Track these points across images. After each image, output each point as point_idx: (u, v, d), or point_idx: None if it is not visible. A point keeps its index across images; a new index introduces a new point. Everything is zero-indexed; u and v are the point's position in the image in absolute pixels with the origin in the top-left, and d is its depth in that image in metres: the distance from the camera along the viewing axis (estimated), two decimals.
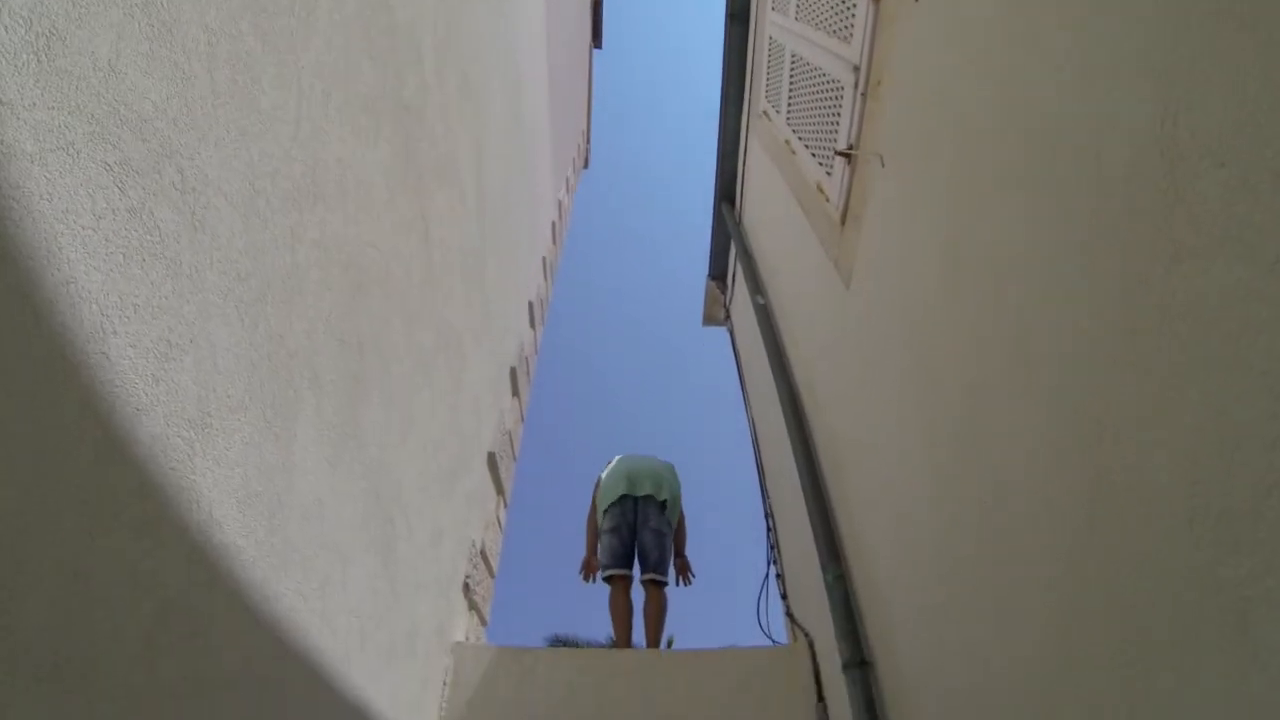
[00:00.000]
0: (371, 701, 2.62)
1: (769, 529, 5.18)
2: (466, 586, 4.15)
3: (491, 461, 4.88)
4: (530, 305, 6.82)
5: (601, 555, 5.45)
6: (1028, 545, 1.54)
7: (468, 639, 4.09)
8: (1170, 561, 1.08)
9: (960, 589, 1.92)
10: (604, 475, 5.93)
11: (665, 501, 5.64)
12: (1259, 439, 0.91)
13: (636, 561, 5.39)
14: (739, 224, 6.61)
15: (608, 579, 5.32)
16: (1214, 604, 0.98)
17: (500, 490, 5.16)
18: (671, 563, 5.49)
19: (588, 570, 5.63)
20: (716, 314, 7.90)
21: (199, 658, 1.60)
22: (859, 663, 2.70)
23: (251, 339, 1.85)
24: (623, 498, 5.58)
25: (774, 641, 4.43)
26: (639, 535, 5.41)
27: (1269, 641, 0.90)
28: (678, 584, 5.53)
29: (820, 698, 3.53)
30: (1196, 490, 1.02)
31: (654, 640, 5.04)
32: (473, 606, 4.33)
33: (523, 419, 6.34)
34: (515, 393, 5.89)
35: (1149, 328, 1.13)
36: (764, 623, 4.63)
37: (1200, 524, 1.01)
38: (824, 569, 3.08)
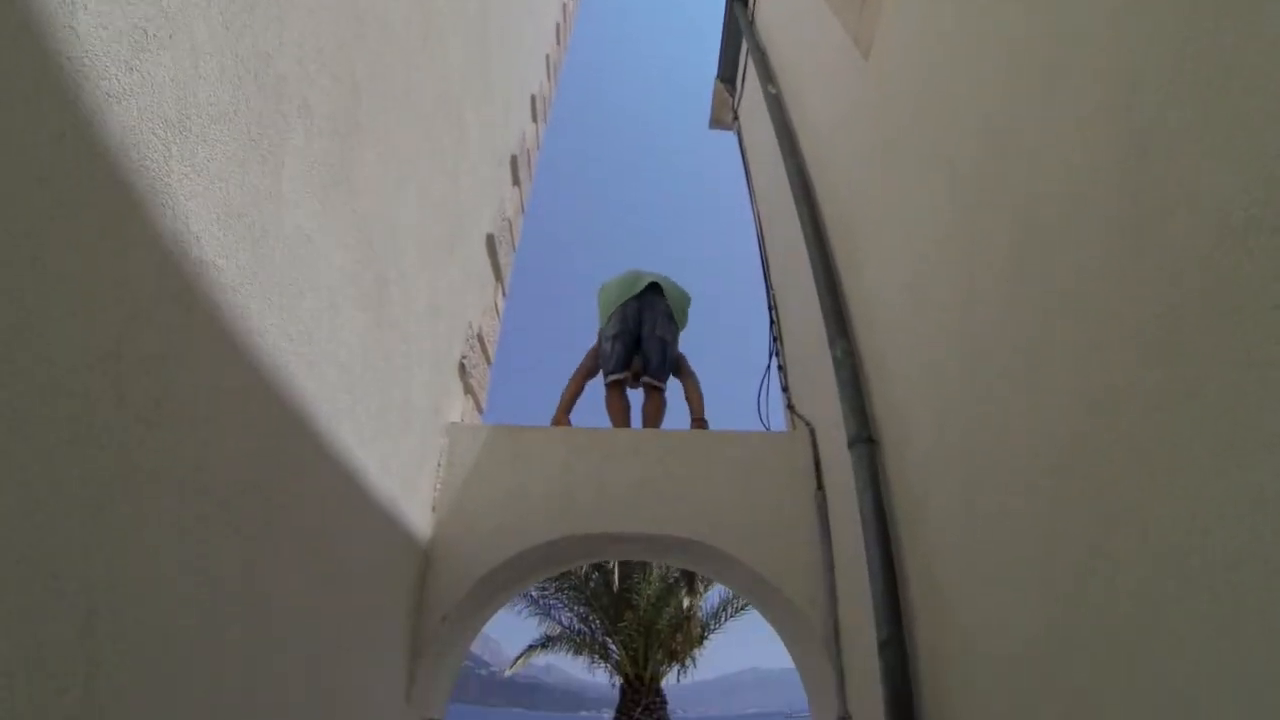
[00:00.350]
0: (362, 465, 2.63)
1: (772, 322, 5.16)
2: (462, 368, 4.14)
3: (490, 244, 4.75)
4: (533, 99, 6.48)
5: (604, 363, 5.39)
6: (1058, 288, 1.46)
7: (464, 421, 4.12)
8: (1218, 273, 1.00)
9: (978, 357, 1.87)
10: (606, 285, 5.78)
11: (670, 308, 5.52)
12: None
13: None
14: (751, 22, 6.43)
15: (610, 384, 5.31)
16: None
17: (499, 276, 5.07)
18: (671, 373, 5.44)
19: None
20: (724, 117, 7.69)
21: (170, 378, 1.52)
22: (865, 439, 2.72)
23: (236, 50, 1.67)
24: (625, 303, 5.47)
25: (767, 428, 4.50)
26: (643, 343, 5.33)
27: None
28: None
29: (820, 486, 3.59)
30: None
31: None
32: (469, 390, 4.34)
33: (523, 210, 6.16)
34: (516, 181, 5.68)
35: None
36: (764, 414, 4.68)
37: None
38: (832, 344, 3.08)
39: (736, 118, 7.48)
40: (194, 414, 1.58)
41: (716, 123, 8.06)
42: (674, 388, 5.30)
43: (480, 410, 4.63)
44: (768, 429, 4.50)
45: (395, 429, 3.00)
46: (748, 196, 6.78)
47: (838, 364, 3.00)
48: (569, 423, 4.96)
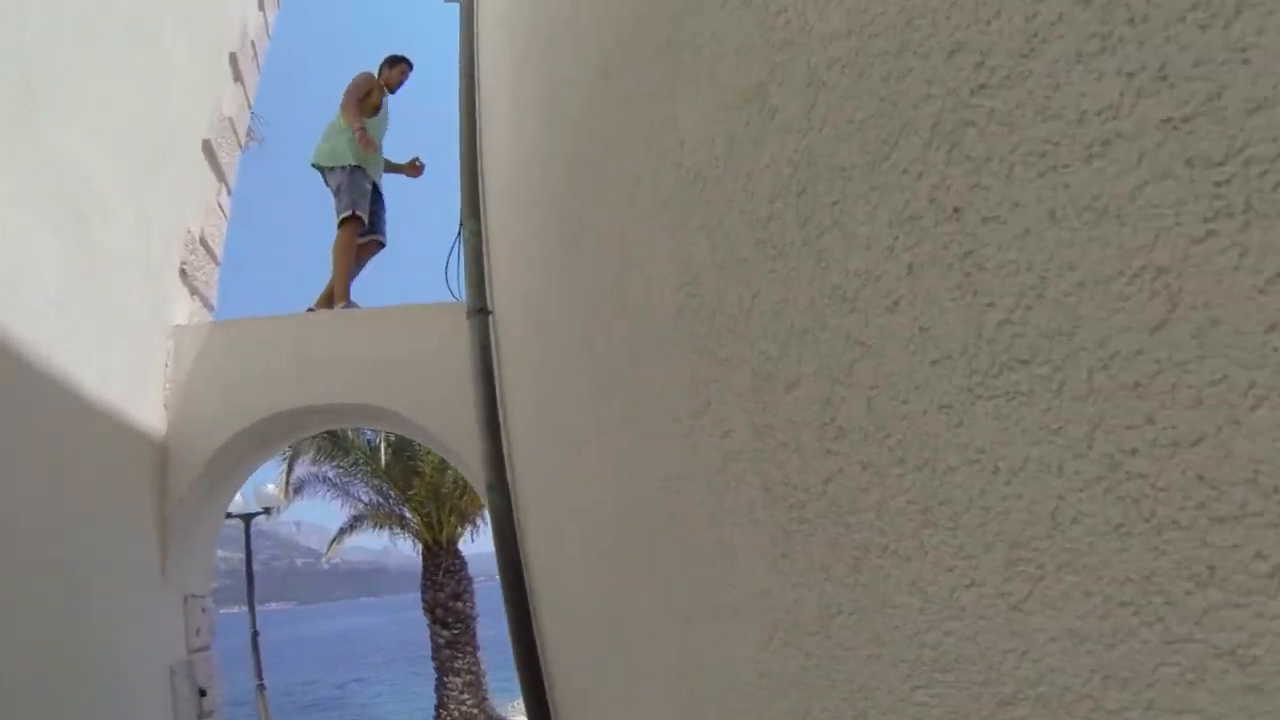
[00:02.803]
0: (81, 380, 3.08)
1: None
2: (183, 273, 4.49)
3: (208, 148, 4.98)
4: None
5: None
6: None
7: (190, 322, 4.53)
8: None
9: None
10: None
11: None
12: None
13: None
14: None
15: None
16: None
17: (221, 177, 5.31)
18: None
19: None
20: None
21: None
22: (479, 310, 3.27)
23: None
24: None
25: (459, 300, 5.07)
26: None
27: None
28: None
29: None
30: None
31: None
32: (195, 292, 4.69)
33: (250, 104, 6.28)
34: (238, 77, 5.82)
35: None
36: (452, 284, 5.20)
37: None
38: (464, 222, 3.56)
39: None
40: None
41: None
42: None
43: (211, 308, 4.98)
44: (458, 299, 5.09)
45: (112, 342, 3.44)
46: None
47: (465, 241, 3.52)
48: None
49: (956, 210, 0.55)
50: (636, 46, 1.12)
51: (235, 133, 5.76)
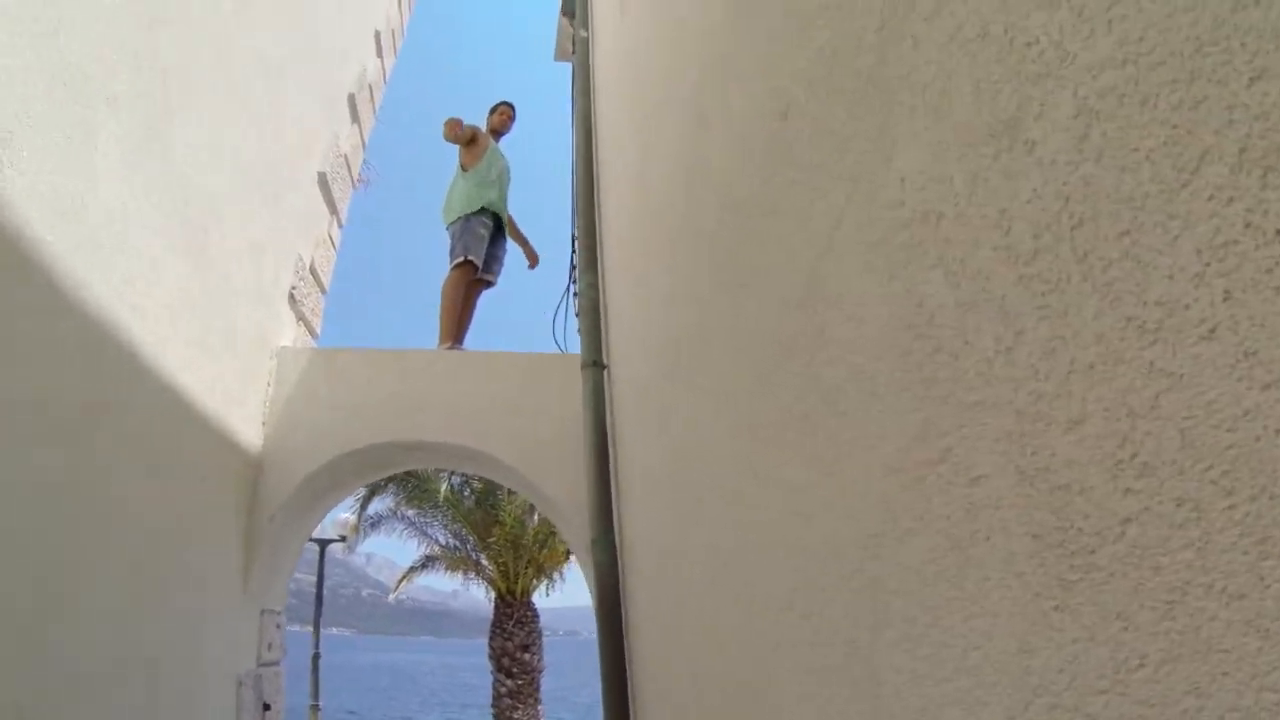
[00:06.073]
0: (188, 389, 3.16)
1: (573, 250, 5.71)
2: (292, 298, 4.60)
3: (323, 182, 5.15)
4: (377, 34, 6.73)
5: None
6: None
7: (295, 345, 4.60)
8: None
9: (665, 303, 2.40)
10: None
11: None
12: None
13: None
14: None
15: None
16: None
17: (334, 210, 5.48)
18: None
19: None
20: (566, 49, 8.08)
21: (7, 338, 2.04)
22: (593, 363, 3.31)
23: (43, 66, 2.13)
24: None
25: (564, 351, 5.12)
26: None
27: None
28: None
29: None
30: None
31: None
32: (301, 318, 4.80)
33: (364, 144, 6.49)
34: (355, 119, 6.02)
35: None
36: (558, 336, 5.23)
37: None
38: (582, 275, 3.63)
39: (575, 51, 7.87)
40: (30, 354, 2.11)
41: (560, 55, 8.37)
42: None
43: (314, 335, 5.11)
44: (563, 350, 5.13)
45: (219, 355, 3.51)
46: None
47: (581, 294, 3.58)
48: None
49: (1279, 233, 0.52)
50: (829, 85, 1.10)
51: (349, 170, 5.95)
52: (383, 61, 7.10)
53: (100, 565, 2.50)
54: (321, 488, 4.23)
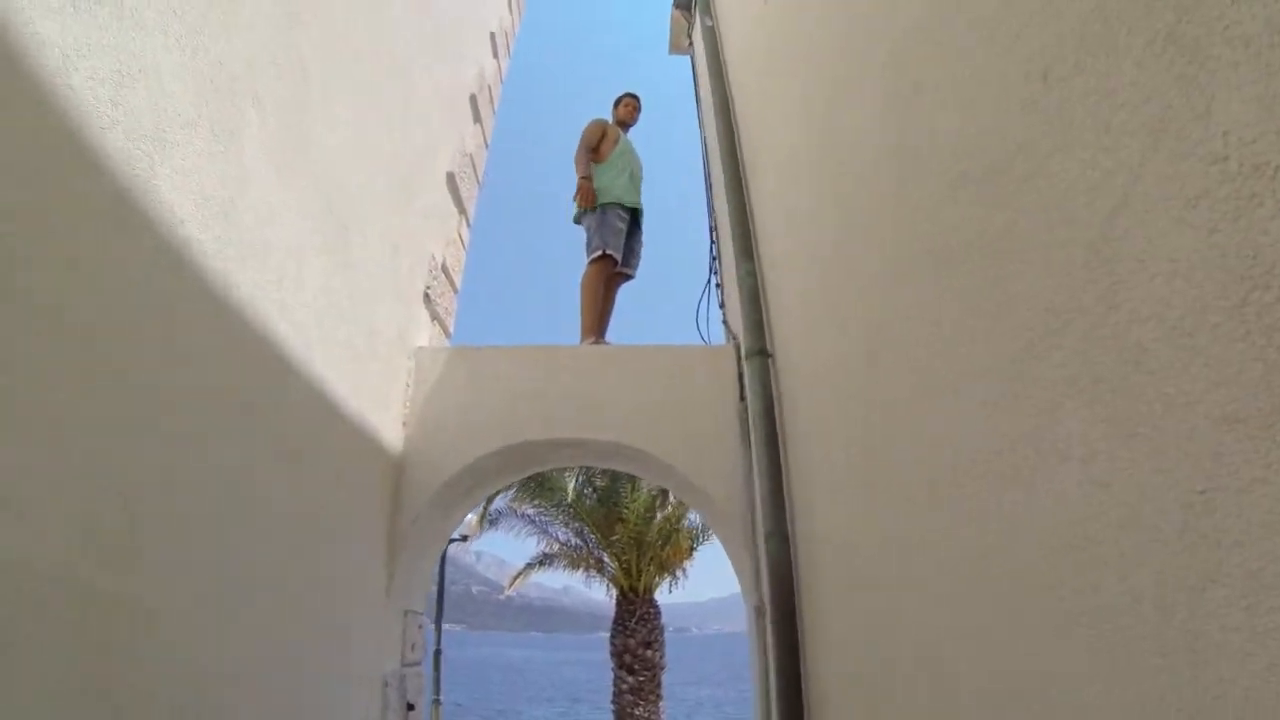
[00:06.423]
0: (333, 387, 3.16)
1: (712, 241, 5.60)
2: (427, 297, 4.62)
3: (451, 181, 5.17)
4: (492, 36, 6.76)
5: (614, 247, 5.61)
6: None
7: (431, 344, 4.62)
8: None
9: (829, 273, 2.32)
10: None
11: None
12: None
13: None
14: None
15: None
16: None
17: (462, 210, 5.50)
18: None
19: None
20: (681, 42, 7.99)
21: (169, 335, 2.04)
22: (759, 352, 3.18)
23: (193, 67, 2.12)
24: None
25: (707, 343, 4.96)
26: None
27: None
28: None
29: (742, 398, 3.97)
30: None
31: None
32: (435, 317, 4.83)
33: (486, 145, 6.53)
34: (476, 119, 6.04)
35: None
36: (702, 328, 5.13)
37: None
38: (738, 264, 3.52)
39: (691, 44, 7.76)
40: (188, 351, 2.10)
41: (675, 48, 8.32)
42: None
43: (448, 334, 5.14)
44: (706, 342, 4.97)
45: (363, 355, 3.52)
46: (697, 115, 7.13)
47: (740, 282, 3.46)
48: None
49: None
50: (1107, 44, 1.03)
51: (474, 169, 5.97)
52: (499, 62, 7.13)
53: (254, 557, 2.49)
54: (466, 487, 4.20)
